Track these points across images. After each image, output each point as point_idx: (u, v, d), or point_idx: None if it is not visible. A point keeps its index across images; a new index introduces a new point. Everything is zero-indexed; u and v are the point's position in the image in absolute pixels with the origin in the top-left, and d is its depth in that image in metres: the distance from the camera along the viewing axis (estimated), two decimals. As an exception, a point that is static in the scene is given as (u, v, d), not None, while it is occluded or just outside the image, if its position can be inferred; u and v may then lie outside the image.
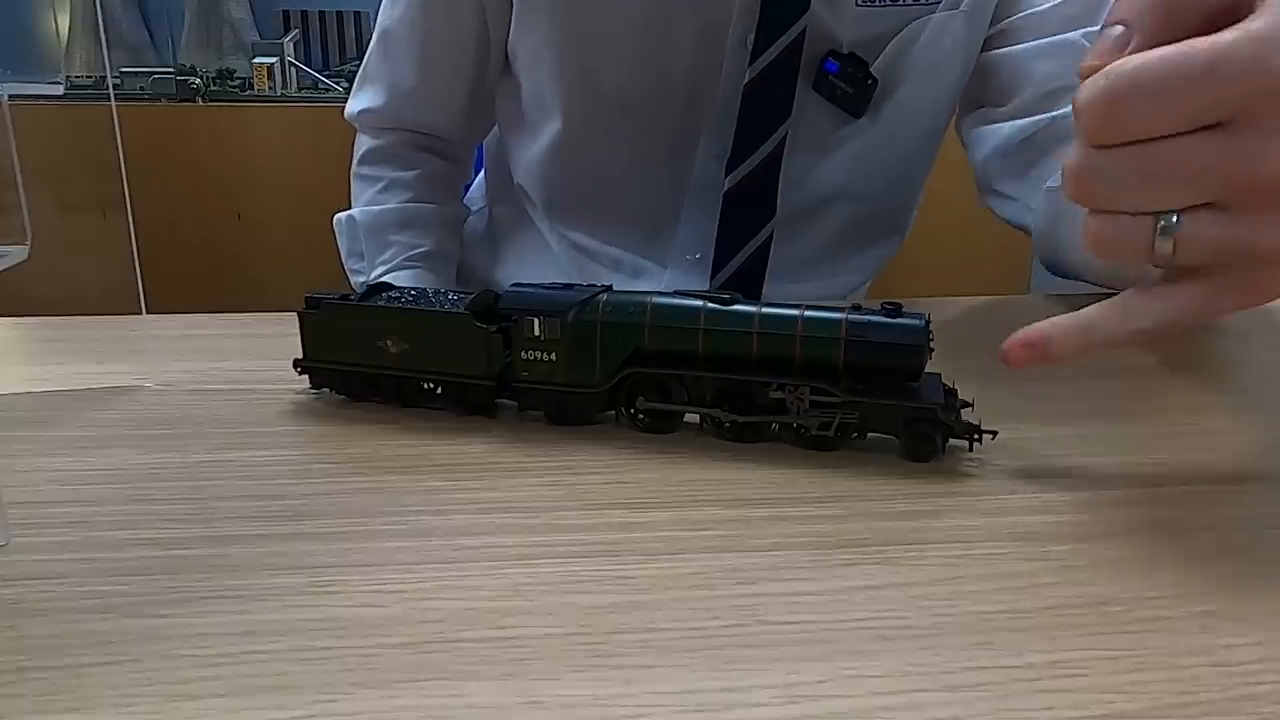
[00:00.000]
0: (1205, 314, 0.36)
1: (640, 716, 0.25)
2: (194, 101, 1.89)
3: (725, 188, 0.71)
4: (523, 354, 0.42)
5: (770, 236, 0.72)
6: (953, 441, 0.40)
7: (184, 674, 0.26)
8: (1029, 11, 0.68)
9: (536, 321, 0.41)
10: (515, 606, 0.29)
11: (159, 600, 0.30)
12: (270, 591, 0.30)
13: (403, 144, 0.83)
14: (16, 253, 0.39)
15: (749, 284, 0.73)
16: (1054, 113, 0.65)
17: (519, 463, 0.39)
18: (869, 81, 0.68)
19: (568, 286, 0.43)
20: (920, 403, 0.39)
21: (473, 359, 0.42)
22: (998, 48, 0.70)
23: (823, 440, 0.40)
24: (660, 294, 0.41)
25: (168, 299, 0.51)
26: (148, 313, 0.50)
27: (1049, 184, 0.64)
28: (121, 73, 1.91)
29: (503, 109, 0.81)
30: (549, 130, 0.75)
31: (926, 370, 0.39)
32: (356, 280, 0.81)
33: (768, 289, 0.73)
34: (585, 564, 0.32)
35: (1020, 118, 0.68)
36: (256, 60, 1.95)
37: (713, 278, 0.74)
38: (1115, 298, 0.37)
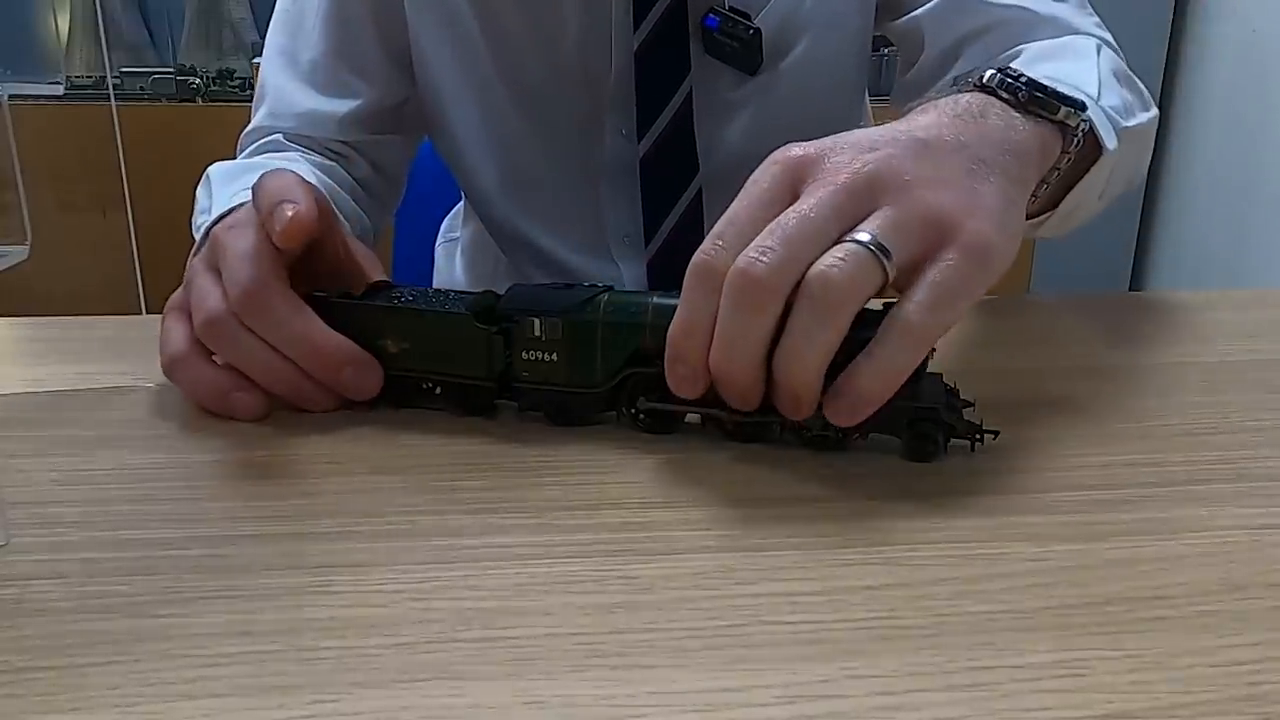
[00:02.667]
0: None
1: (640, 716, 0.25)
2: (194, 101, 1.89)
3: (640, 154, 0.71)
4: (523, 354, 0.42)
5: (699, 199, 0.72)
6: (954, 441, 0.40)
7: (184, 674, 0.26)
8: None
9: (537, 322, 0.41)
10: (515, 606, 0.29)
11: (159, 600, 0.30)
12: (270, 591, 0.30)
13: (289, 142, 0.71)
14: (16, 253, 0.39)
15: (687, 253, 0.73)
16: (954, 72, 0.68)
17: (519, 463, 0.39)
18: (751, 32, 0.69)
19: (569, 286, 0.43)
20: (922, 402, 0.39)
21: (473, 359, 0.42)
22: (895, 17, 0.72)
23: (824, 440, 0.40)
24: (662, 294, 0.41)
25: (168, 299, 0.51)
26: (148, 313, 0.50)
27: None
28: (121, 73, 1.91)
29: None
30: (458, 137, 0.75)
31: (927, 370, 0.39)
32: (196, 236, 0.58)
33: None
34: (585, 564, 0.32)
35: (934, 76, 0.70)
36: (256, 60, 1.95)
37: (645, 246, 0.73)
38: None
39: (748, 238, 0.36)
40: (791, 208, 0.36)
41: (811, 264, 0.35)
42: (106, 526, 0.34)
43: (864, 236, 0.35)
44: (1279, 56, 1.65)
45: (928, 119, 0.41)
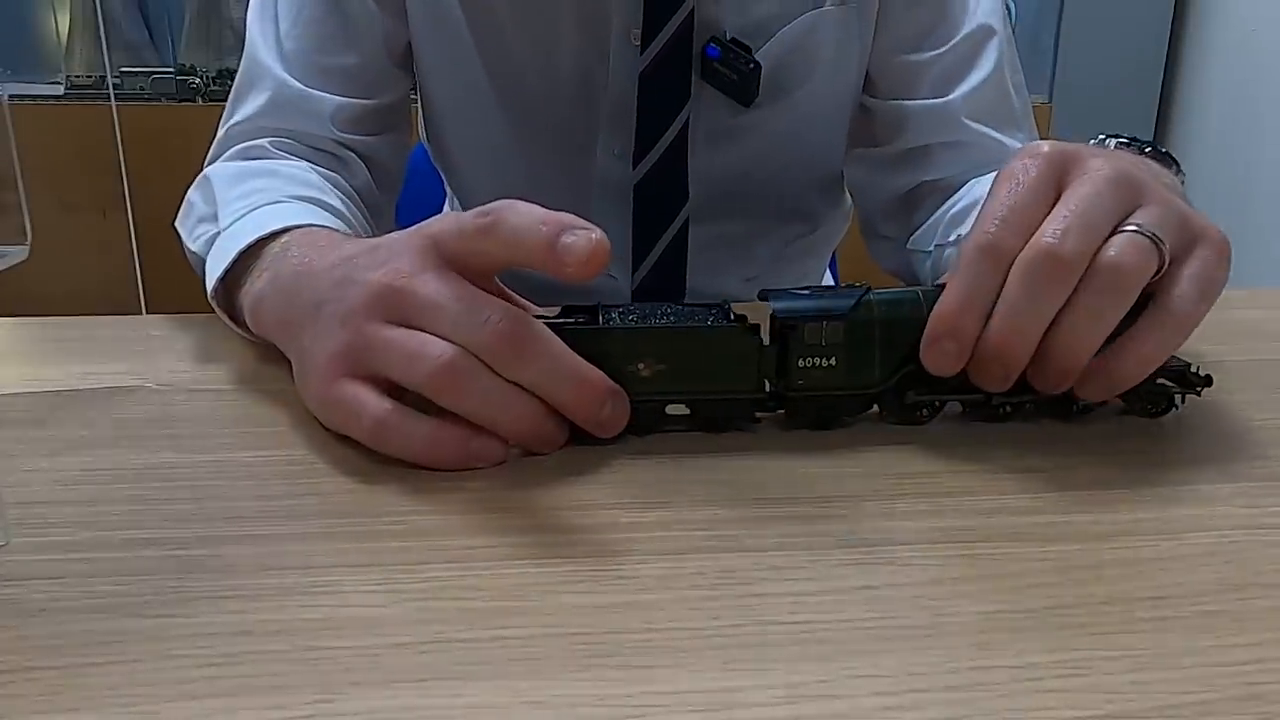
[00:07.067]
0: None
1: (640, 716, 0.25)
2: (194, 101, 1.89)
3: (635, 180, 0.71)
4: (799, 361, 0.40)
5: (686, 224, 0.73)
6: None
7: (184, 674, 0.26)
8: (909, 58, 0.71)
9: (818, 327, 0.40)
10: (515, 606, 0.29)
11: (159, 600, 0.30)
12: (270, 591, 0.30)
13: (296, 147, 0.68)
14: (16, 253, 0.39)
15: (671, 275, 0.73)
16: (928, 178, 0.71)
17: (519, 463, 0.39)
18: (751, 66, 0.69)
19: (828, 289, 0.41)
20: (1168, 364, 0.41)
21: (743, 373, 0.40)
22: (876, 96, 0.73)
23: (1087, 409, 0.42)
24: (923, 289, 0.41)
25: (168, 299, 0.51)
26: (148, 313, 0.50)
27: (950, 239, 0.68)
28: (121, 73, 1.91)
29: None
30: (452, 146, 0.75)
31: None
32: (194, 245, 0.58)
33: (690, 280, 0.74)
34: (585, 564, 0.32)
35: (897, 165, 0.73)
36: (257, 60, 1.95)
37: (633, 272, 0.74)
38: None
39: (1030, 222, 0.38)
40: (1073, 195, 0.38)
41: (1099, 249, 0.37)
42: (106, 526, 0.34)
43: (1144, 227, 0.37)
44: (1277, 57, 1.65)
45: (1113, 154, 0.43)
